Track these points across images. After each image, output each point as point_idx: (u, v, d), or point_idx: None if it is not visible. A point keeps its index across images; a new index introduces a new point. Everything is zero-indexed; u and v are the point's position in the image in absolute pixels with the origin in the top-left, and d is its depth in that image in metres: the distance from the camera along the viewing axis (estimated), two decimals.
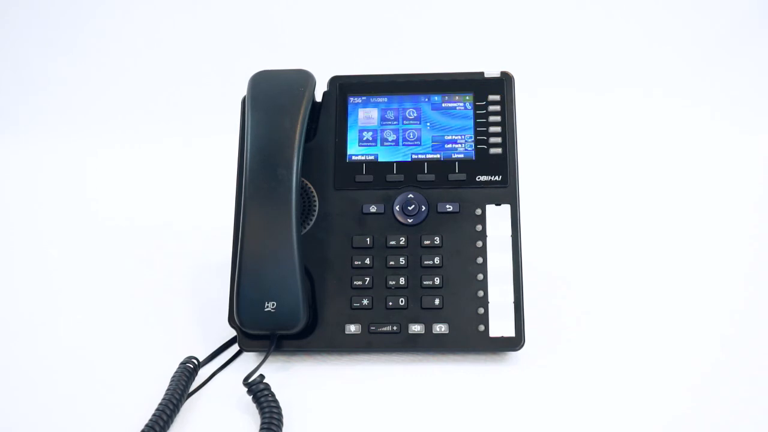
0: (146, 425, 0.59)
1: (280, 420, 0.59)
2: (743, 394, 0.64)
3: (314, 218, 0.70)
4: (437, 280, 0.68)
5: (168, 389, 0.62)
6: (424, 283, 0.68)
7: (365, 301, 0.68)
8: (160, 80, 1.04)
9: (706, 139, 0.97)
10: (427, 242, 0.69)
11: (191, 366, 0.66)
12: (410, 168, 0.71)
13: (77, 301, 0.79)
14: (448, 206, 0.70)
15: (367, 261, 0.69)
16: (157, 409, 0.60)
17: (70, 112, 1.04)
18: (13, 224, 0.93)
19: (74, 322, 0.76)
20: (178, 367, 0.65)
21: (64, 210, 0.94)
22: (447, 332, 0.67)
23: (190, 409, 0.64)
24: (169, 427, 0.60)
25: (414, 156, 0.72)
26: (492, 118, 0.72)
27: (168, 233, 0.88)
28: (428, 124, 0.73)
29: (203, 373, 0.67)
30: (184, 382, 0.63)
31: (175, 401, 0.61)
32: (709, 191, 0.91)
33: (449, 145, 0.72)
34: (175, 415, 0.61)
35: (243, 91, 0.74)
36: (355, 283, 0.68)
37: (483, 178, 0.70)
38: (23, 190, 0.99)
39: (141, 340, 0.72)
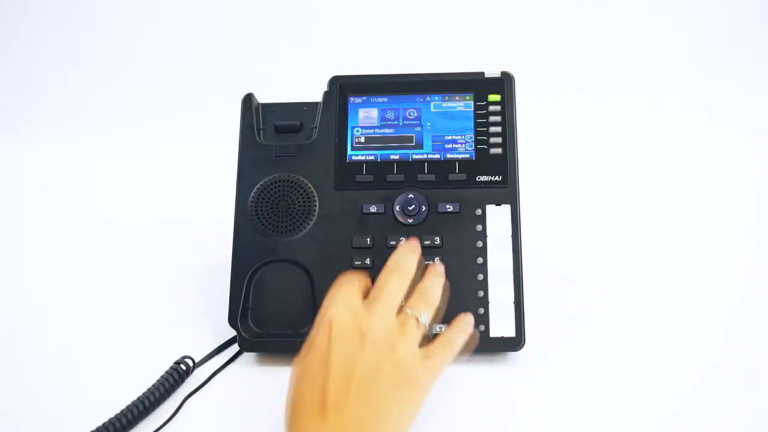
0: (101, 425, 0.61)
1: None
2: (743, 394, 0.64)
3: (314, 218, 0.70)
4: None
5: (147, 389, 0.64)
6: None
7: None
8: (160, 80, 1.04)
9: (707, 139, 0.97)
10: (427, 242, 0.69)
11: (183, 367, 0.66)
12: (410, 168, 0.71)
13: (77, 300, 0.79)
14: (448, 206, 0.70)
15: (367, 261, 0.69)
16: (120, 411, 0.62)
17: (77, 113, 1.04)
18: (19, 224, 0.93)
19: (74, 321, 0.76)
20: (169, 368, 0.66)
21: (69, 210, 0.94)
22: None
23: (190, 409, 0.64)
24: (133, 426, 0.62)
25: (414, 156, 0.72)
26: (492, 118, 0.72)
27: (168, 233, 0.88)
28: (428, 124, 0.72)
29: (203, 374, 0.68)
30: (170, 382, 0.65)
31: (146, 404, 0.63)
32: (710, 191, 0.91)
33: (449, 145, 0.72)
34: (144, 416, 0.63)
35: (244, 90, 0.74)
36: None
37: (483, 178, 0.70)
38: (29, 190, 0.99)
39: (141, 340, 0.72)
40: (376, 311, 0.56)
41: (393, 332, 0.55)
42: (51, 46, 1.05)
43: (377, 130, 0.73)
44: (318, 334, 0.55)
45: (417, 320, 0.57)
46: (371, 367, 0.53)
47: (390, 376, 0.53)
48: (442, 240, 0.69)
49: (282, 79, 0.97)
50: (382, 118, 0.73)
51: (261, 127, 0.73)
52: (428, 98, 0.73)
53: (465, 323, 0.61)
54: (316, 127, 0.73)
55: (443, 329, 0.67)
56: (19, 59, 1.06)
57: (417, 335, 0.56)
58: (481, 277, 0.68)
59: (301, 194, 0.71)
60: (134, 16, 1.06)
